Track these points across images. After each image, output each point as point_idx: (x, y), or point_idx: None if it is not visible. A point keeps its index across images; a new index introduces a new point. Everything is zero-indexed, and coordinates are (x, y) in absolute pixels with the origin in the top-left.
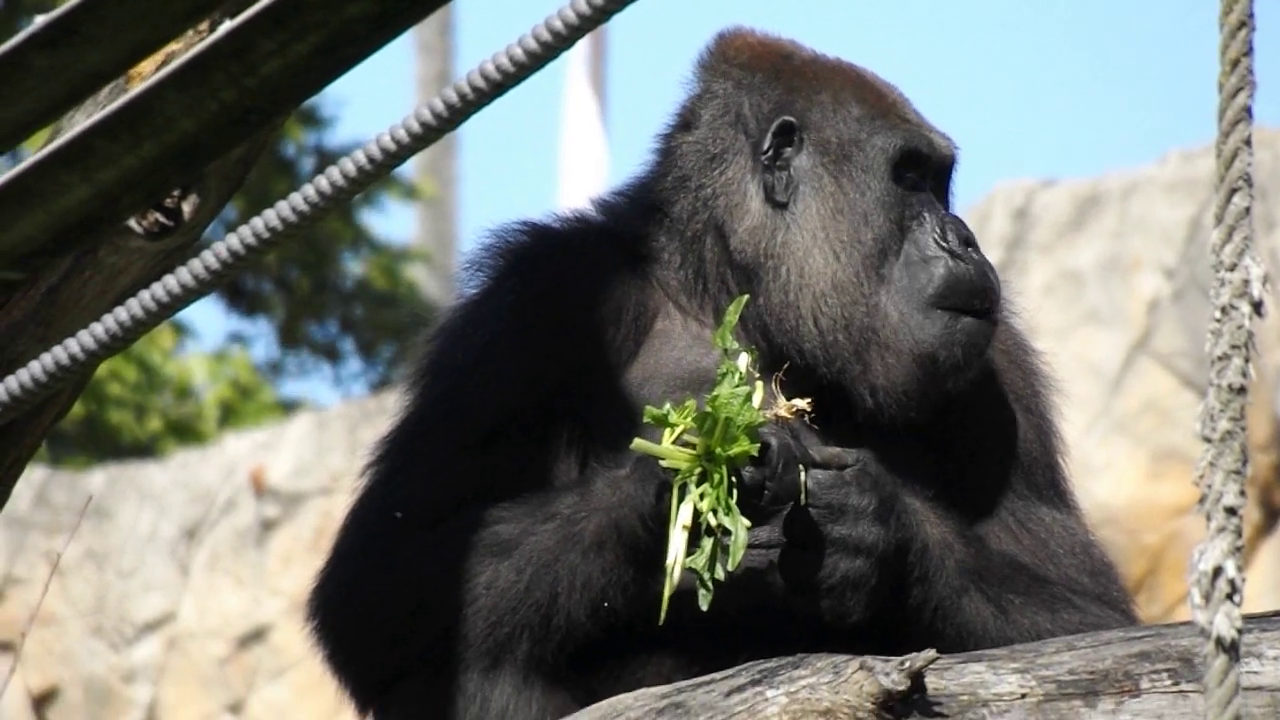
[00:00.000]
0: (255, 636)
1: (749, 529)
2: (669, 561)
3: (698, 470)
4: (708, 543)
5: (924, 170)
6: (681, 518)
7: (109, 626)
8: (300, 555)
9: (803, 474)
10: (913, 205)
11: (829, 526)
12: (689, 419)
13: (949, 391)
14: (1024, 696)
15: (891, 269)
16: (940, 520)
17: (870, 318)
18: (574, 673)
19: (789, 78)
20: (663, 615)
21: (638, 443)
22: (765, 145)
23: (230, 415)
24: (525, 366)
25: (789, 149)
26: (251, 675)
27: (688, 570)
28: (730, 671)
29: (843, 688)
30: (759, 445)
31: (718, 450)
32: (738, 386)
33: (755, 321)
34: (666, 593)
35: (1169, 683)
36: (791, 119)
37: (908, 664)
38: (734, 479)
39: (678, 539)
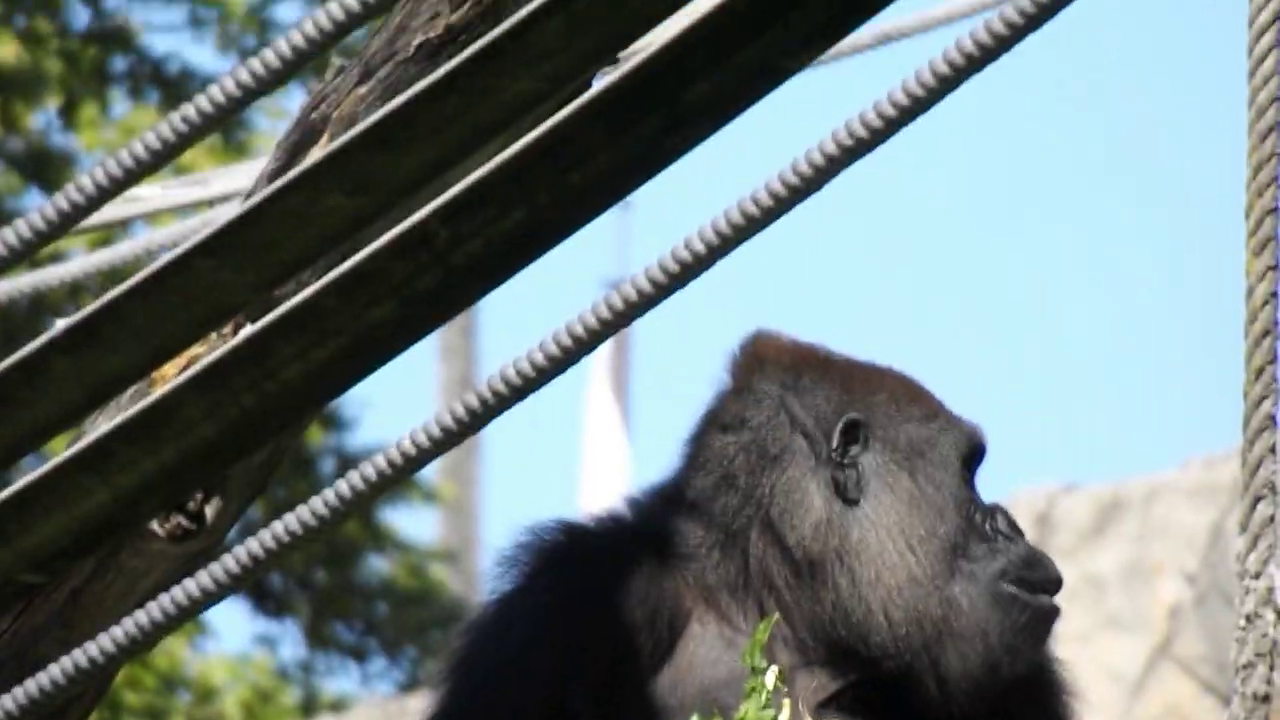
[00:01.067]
0: None
1: None
2: None
3: None
4: None
5: (977, 466)
6: None
7: None
8: None
9: None
10: (974, 501)
11: None
12: None
13: (1010, 679)
14: None
15: (962, 560)
16: None
17: (943, 609)
18: None
19: (840, 379)
20: None
21: None
22: (834, 443)
23: (253, 718)
24: (556, 669)
25: (855, 447)
26: None
27: None
28: None
29: None
30: None
31: None
32: (764, 707)
33: (806, 617)
34: None
35: None
36: (858, 417)
37: None
38: None
39: None
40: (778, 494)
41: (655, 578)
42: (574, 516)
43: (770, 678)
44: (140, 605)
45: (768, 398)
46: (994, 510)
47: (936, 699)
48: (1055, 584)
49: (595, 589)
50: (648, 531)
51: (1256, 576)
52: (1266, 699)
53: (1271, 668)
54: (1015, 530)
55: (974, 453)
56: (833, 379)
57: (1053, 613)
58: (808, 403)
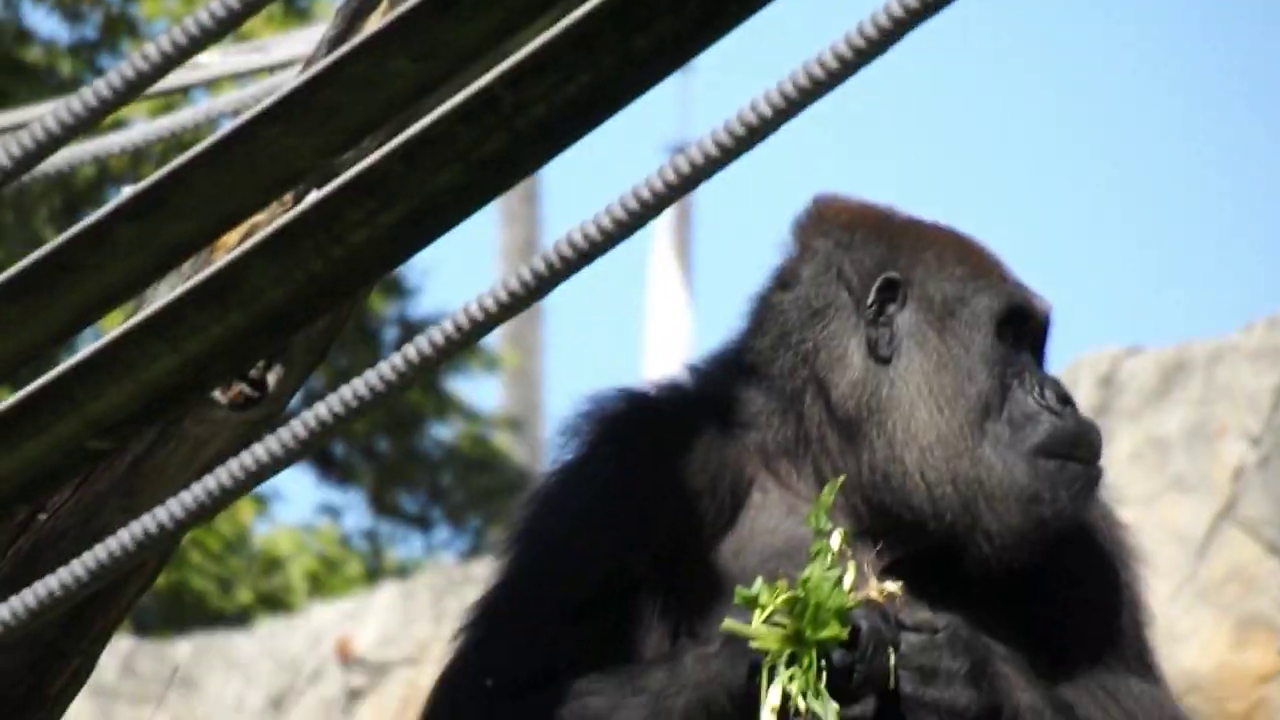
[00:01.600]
0: None
1: (838, 712)
2: None
3: (787, 652)
4: None
5: (1024, 330)
6: (770, 699)
7: None
8: None
9: (892, 657)
10: (1014, 364)
11: (922, 690)
12: (779, 600)
13: (1057, 532)
14: None
15: (994, 424)
16: (1030, 686)
17: (975, 468)
18: None
19: (891, 236)
20: None
21: (727, 623)
22: (869, 301)
23: (318, 587)
24: (619, 537)
25: (892, 305)
26: None
27: None
28: None
29: None
30: (849, 629)
31: (807, 633)
32: (829, 569)
33: (855, 481)
34: None
35: None
36: (895, 275)
37: None
38: (823, 662)
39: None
40: (822, 350)
41: (717, 445)
42: (636, 384)
43: (835, 540)
44: (202, 474)
45: (821, 253)
46: (1043, 380)
47: (986, 558)
48: (1093, 451)
49: (657, 457)
50: (709, 398)
51: None
52: None
53: None
54: (1064, 403)
55: (1014, 314)
56: (883, 236)
57: (1092, 474)
58: (855, 259)
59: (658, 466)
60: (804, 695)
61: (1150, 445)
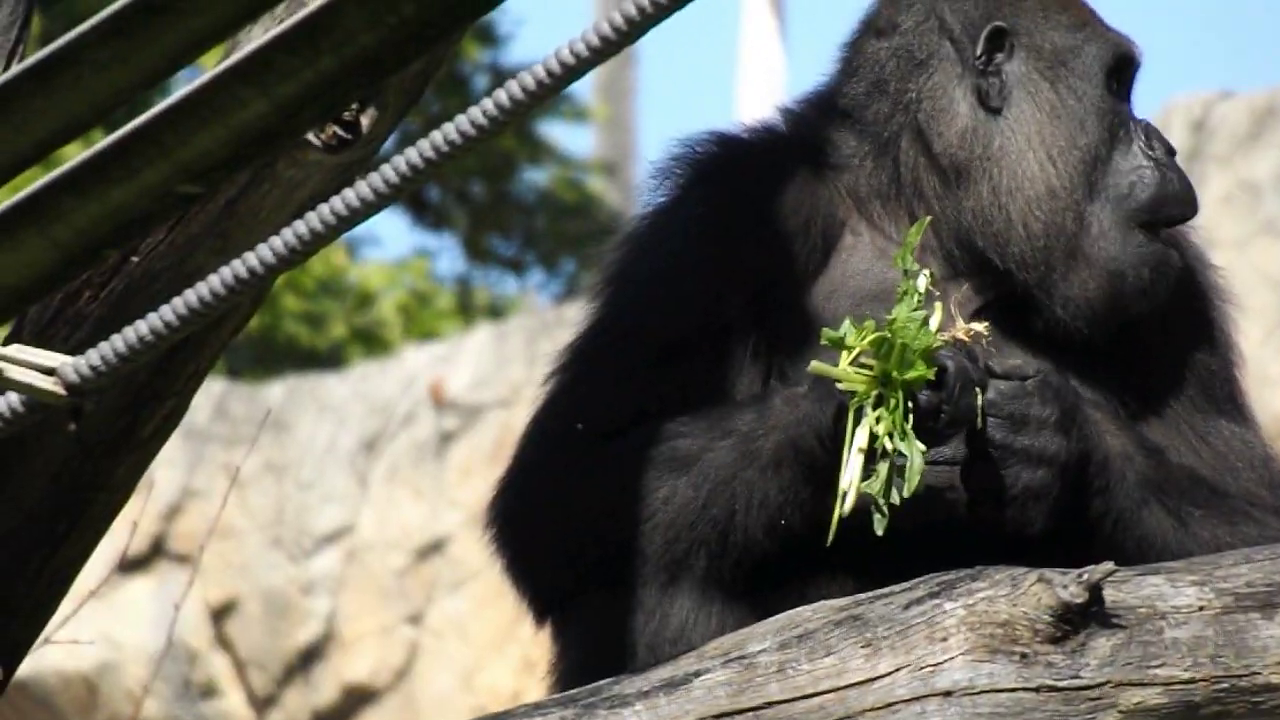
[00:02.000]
0: (434, 549)
1: (925, 453)
2: (843, 485)
3: (874, 393)
4: (883, 467)
5: (1125, 79)
6: (857, 441)
7: (288, 539)
8: (479, 468)
9: (979, 397)
10: (1121, 114)
11: (1011, 437)
12: (866, 341)
13: (1133, 315)
14: (1202, 609)
15: (1102, 177)
16: (1120, 431)
17: (1077, 225)
18: (753, 589)
19: None
20: (830, 537)
21: (815, 365)
22: (979, 50)
23: (410, 322)
24: (710, 280)
25: (1000, 55)
26: (430, 587)
27: (863, 494)
28: (908, 584)
29: (1020, 600)
30: (936, 369)
31: (894, 374)
32: (915, 309)
33: (952, 226)
34: (836, 515)
35: None
36: (1002, 24)
37: (1086, 576)
38: (910, 403)
39: (854, 462)
40: (924, 99)
41: (809, 187)
42: (728, 127)
43: (922, 281)
44: (296, 216)
45: (919, 2)
46: (1146, 129)
47: (1058, 321)
48: (1192, 211)
49: (749, 199)
50: (801, 140)
51: None
52: None
53: None
54: (1169, 152)
55: (1121, 64)
56: None
57: (1171, 258)
58: (957, 7)
59: (750, 208)
60: (890, 436)
61: (1242, 189)
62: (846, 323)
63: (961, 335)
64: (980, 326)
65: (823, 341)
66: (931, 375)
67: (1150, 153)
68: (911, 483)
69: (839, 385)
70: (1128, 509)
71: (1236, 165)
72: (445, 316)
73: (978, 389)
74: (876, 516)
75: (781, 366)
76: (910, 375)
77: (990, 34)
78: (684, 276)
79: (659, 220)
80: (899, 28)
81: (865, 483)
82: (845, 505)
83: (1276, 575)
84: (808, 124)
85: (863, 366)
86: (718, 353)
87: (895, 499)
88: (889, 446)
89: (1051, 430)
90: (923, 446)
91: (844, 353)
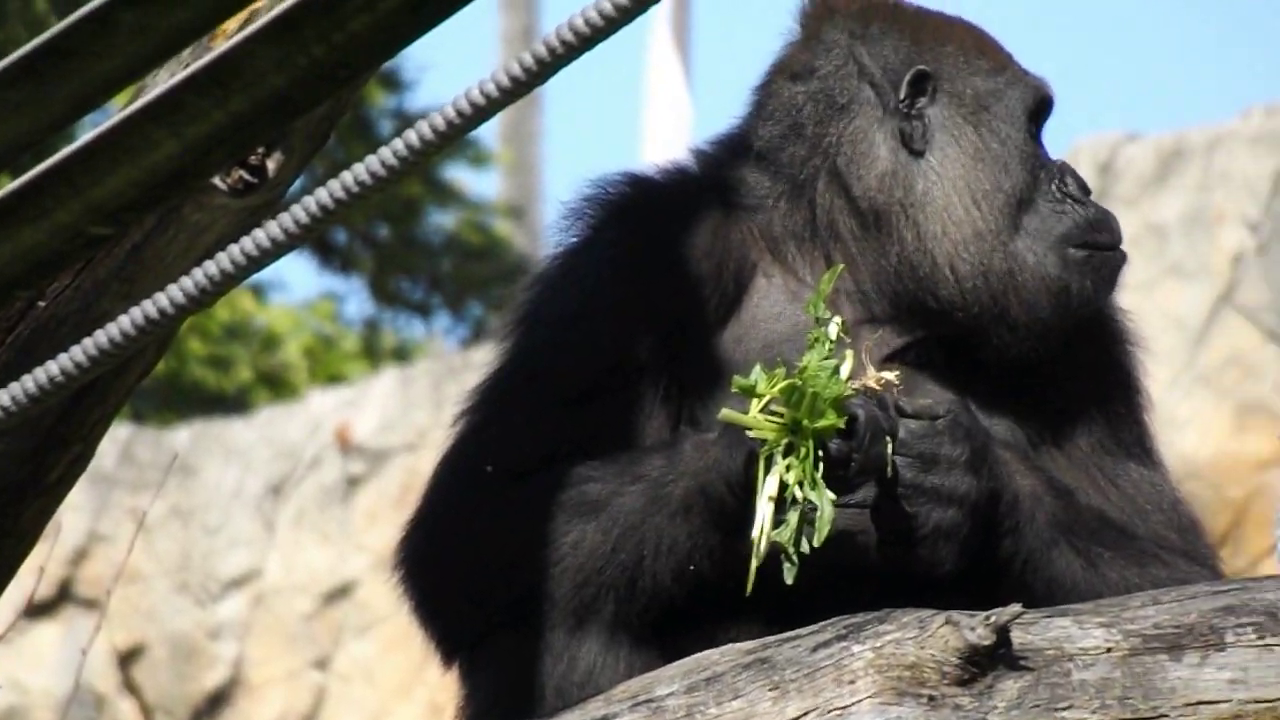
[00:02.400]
0: (341, 593)
1: (835, 502)
2: (754, 534)
3: (785, 441)
4: (793, 516)
5: (1042, 122)
6: (768, 489)
7: (194, 583)
8: (385, 512)
9: (889, 446)
10: (1040, 156)
11: (922, 476)
12: (776, 389)
13: (1079, 321)
14: (1109, 650)
15: (1025, 217)
16: (1030, 472)
17: (1008, 262)
18: (663, 632)
19: (909, 29)
20: (749, 587)
21: (725, 413)
22: (902, 95)
23: (316, 365)
24: (621, 322)
25: (923, 99)
26: (337, 631)
27: (773, 542)
28: (816, 627)
29: (928, 642)
30: (846, 418)
31: (804, 423)
32: (826, 357)
33: (870, 269)
34: (753, 565)
35: (1254, 636)
36: (926, 69)
37: (993, 619)
38: (821, 451)
39: (763, 510)
40: (844, 143)
41: (721, 229)
42: (640, 168)
43: (834, 329)
44: (202, 260)
45: (837, 46)
46: (1062, 169)
47: (1007, 347)
48: (1117, 237)
49: (661, 241)
50: (714, 182)
51: None
52: None
53: None
54: (1083, 190)
55: (1040, 107)
56: (902, 28)
57: (1119, 259)
58: (876, 52)
59: (662, 250)
60: (800, 485)
61: (1148, 232)
62: (757, 369)
63: (873, 384)
64: (892, 375)
65: (733, 389)
66: (842, 424)
67: (1066, 189)
68: (822, 532)
69: (749, 433)
70: (1037, 549)
71: (1143, 207)
72: (351, 359)
73: (888, 437)
74: (786, 565)
75: (692, 410)
76: (821, 424)
77: (914, 78)
78: (594, 318)
79: (570, 261)
80: (816, 72)
81: (775, 531)
82: (755, 554)
83: (1184, 617)
84: (720, 165)
85: (773, 414)
86: (628, 396)
87: (805, 548)
88: (799, 495)
89: (962, 470)
90: (833, 495)
91: (754, 400)
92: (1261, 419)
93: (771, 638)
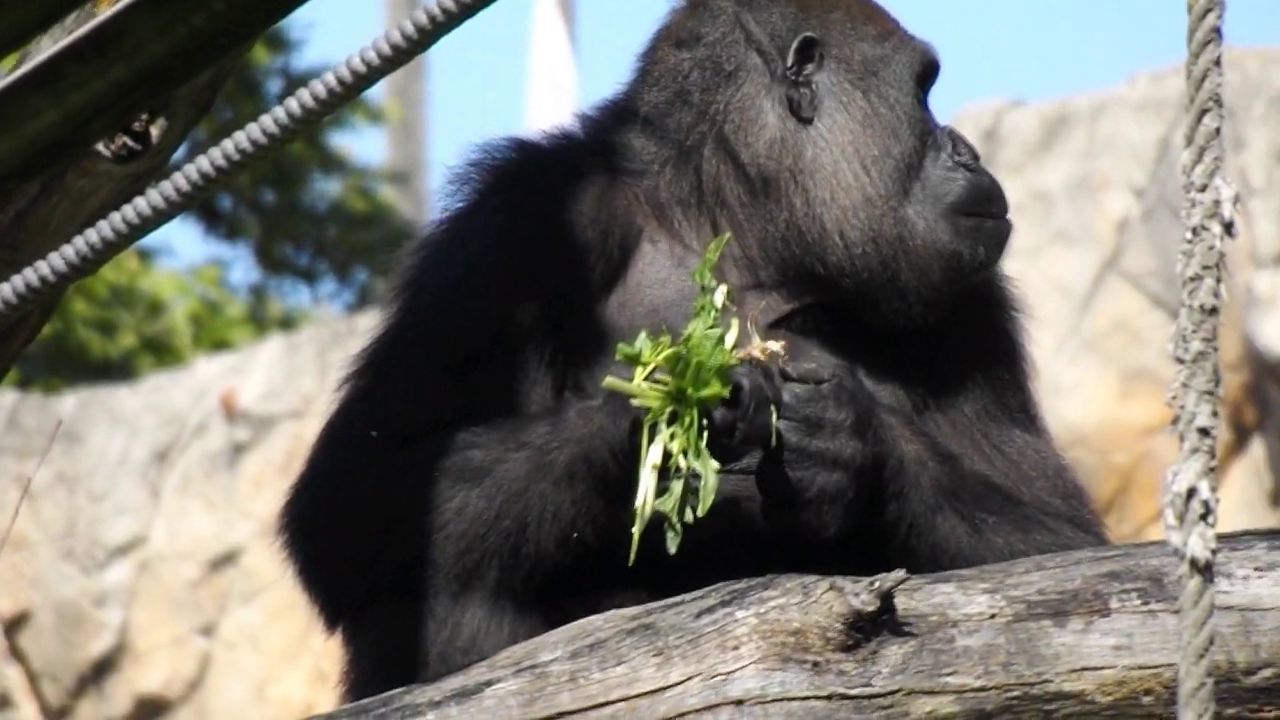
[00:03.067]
0: (226, 560)
1: (719, 471)
2: (638, 503)
3: (669, 410)
4: (677, 485)
5: (929, 87)
6: (651, 458)
7: (80, 550)
8: (271, 478)
9: (774, 415)
10: (928, 121)
11: (807, 440)
12: (661, 358)
13: (970, 283)
14: (993, 616)
15: (915, 183)
16: (915, 437)
17: (898, 228)
18: (547, 598)
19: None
20: (633, 555)
21: (609, 380)
22: (789, 61)
23: (202, 331)
24: (507, 288)
25: (810, 65)
26: (223, 598)
27: (657, 511)
28: (700, 593)
29: (812, 608)
30: (731, 387)
31: (689, 391)
32: (712, 325)
33: (758, 236)
34: (637, 532)
35: (1138, 602)
36: (813, 35)
37: (877, 584)
38: (705, 420)
39: (647, 479)
40: (732, 111)
41: (607, 195)
42: (526, 134)
43: (719, 296)
44: (86, 226)
45: (723, 13)
46: (952, 135)
47: (896, 314)
48: (1004, 205)
49: (546, 207)
50: (600, 148)
51: (1202, 190)
52: (1214, 311)
53: (1218, 280)
54: (974, 157)
55: (927, 71)
56: None
57: (1007, 228)
58: (763, 19)
59: (546, 216)
60: (684, 454)
61: (1033, 198)
62: (642, 337)
63: (758, 353)
64: (777, 345)
65: (618, 357)
66: (726, 393)
67: (958, 158)
68: (706, 501)
69: (633, 401)
70: (922, 514)
71: (1028, 174)
72: (236, 325)
73: (773, 406)
74: (669, 535)
75: (577, 377)
76: (705, 393)
77: (801, 45)
78: (478, 284)
79: (455, 227)
80: (702, 39)
81: (659, 500)
82: (643, 518)
83: (1068, 582)
84: (607, 131)
85: (658, 382)
86: (512, 362)
87: (689, 517)
88: (683, 464)
89: (847, 434)
90: (717, 464)
91: (639, 368)
92: (1147, 385)
93: (655, 604)
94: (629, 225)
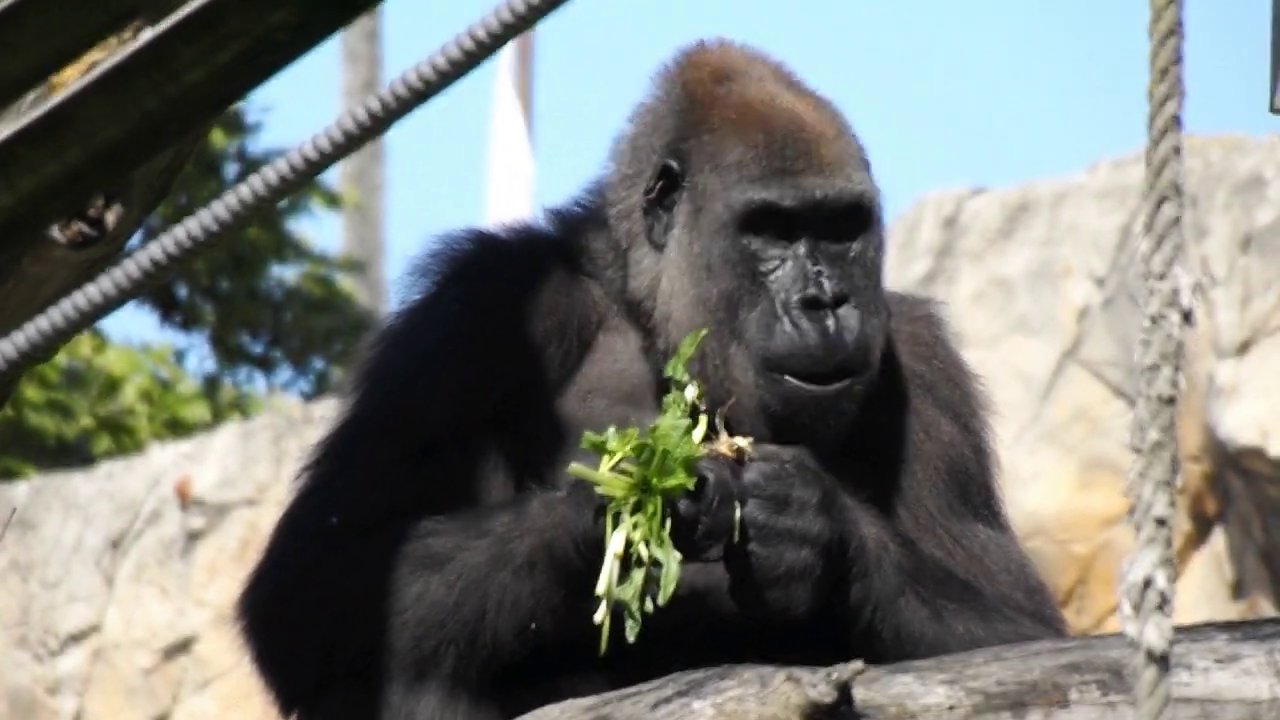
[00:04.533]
0: (181, 648)
1: (681, 562)
2: (600, 589)
3: (633, 500)
4: (638, 574)
5: (792, 222)
6: (614, 546)
7: (34, 638)
8: (226, 566)
9: (738, 511)
10: (770, 260)
11: (775, 518)
12: (628, 447)
13: (826, 435)
14: (952, 708)
15: (745, 323)
16: (875, 520)
17: (727, 369)
18: (504, 688)
19: (697, 108)
20: (603, 645)
21: (574, 468)
22: (650, 185)
23: (156, 408)
24: (467, 378)
25: (675, 192)
26: (177, 686)
27: (617, 600)
28: (657, 683)
29: (770, 699)
30: (696, 479)
31: (654, 481)
32: (680, 419)
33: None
34: (600, 619)
35: (1098, 694)
36: (672, 163)
37: (835, 675)
38: (669, 511)
39: (609, 567)
40: (625, 218)
41: (566, 287)
42: (486, 226)
43: (691, 391)
44: (41, 313)
45: (648, 113)
46: (810, 278)
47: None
48: (835, 364)
49: (505, 299)
50: (562, 241)
51: (1161, 278)
52: (1171, 400)
53: (1176, 369)
54: (814, 305)
55: (757, 212)
56: (694, 107)
57: (819, 397)
58: (660, 129)
59: (506, 307)
60: (647, 543)
61: (994, 286)
62: (611, 430)
63: (725, 450)
64: (744, 441)
65: (584, 445)
66: (691, 485)
67: (792, 306)
68: (667, 590)
69: (597, 489)
70: (885, 597)
71: (989, 261)
72: (190, 402)
73: (737, 502)
74: (629, 624)
75: (538, 468)
76: (669, 483)
77: (661, 170)
78: (437, 373)
79: (414, 318)
80: (635, 138)
81: (619, 589)
82: (599, 611)
83: (1027, 674)
84: (571, 224)
85: (623, 472)
86: (471, 452)
87: (649, 607)
88: (644, 553)
89: (814, 510)
90: (679, 555)
91: (605, 457)
92: (1107, 475)
93: (612, 693)
94: (587, 317)
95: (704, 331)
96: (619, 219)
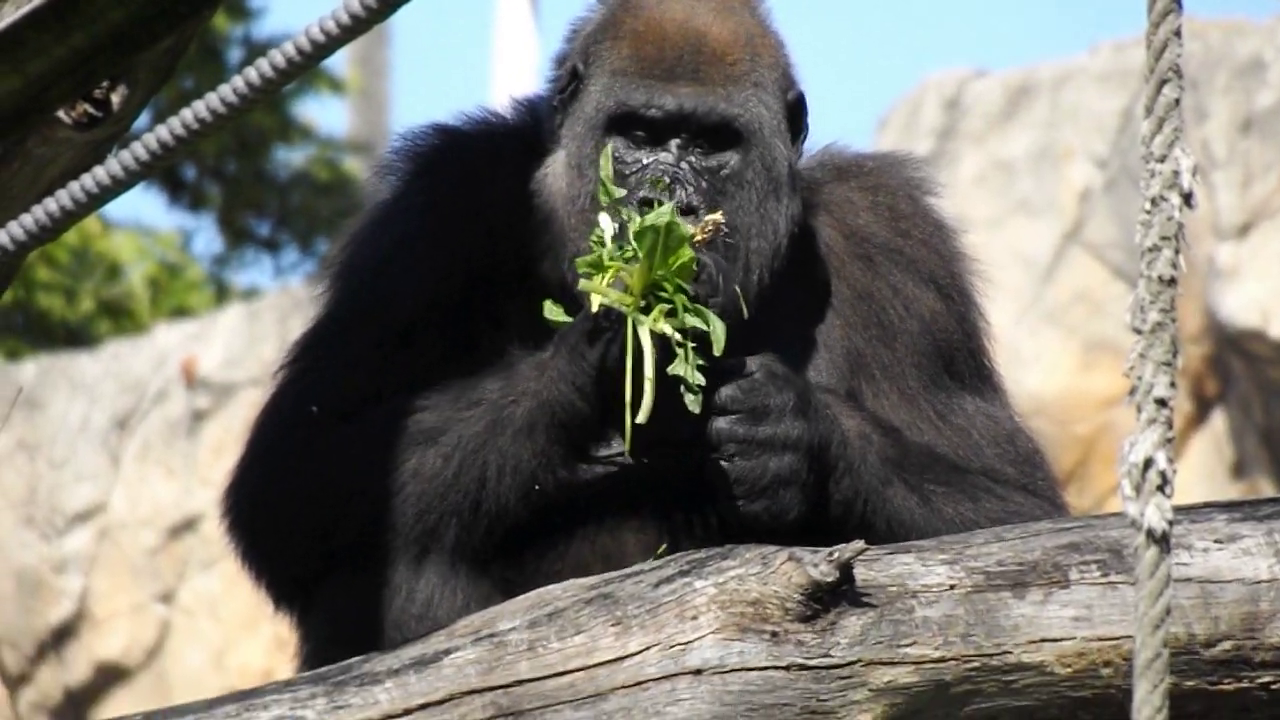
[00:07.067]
0: (186, 527)
1: (723, 330)
2: (649, 373)
3: (642, 302)
4: (680, 353)
5: (658, 128)
6: (644, 342)
7: (40, 517)
8: (231, 446)
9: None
10: (631, 164)
11: (754, 429)
12: (622, 253)
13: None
14: (952, 587)
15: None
16: (854, 412)
17: None
18: (496, 564)
19: (616, 16)
20: (628, 444)
21: (585, 283)
22: (562, 85)
23: (161, 295)
24: (438, 261)
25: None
26: (182, 565)
27: (672, 377)
28: (659, 562)
29: (771, 579)
30: (695, 261)
31: (660, 270)
32: (654, 217)
33: None
34: (646, 408)
35: (1098, 574)
36: (580, 65)
37: (836, 555)
38: (682, 296)
39: (649, 362)
40: (550, 119)
41: (528, 172)
42: (448, 119)
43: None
44: (47, 193)
45: (585, 18)
46: (647, 179)
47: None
48: None
49: (469, 187)
50: (521, 129)
51: (1162, 160)
52: (1172, 282)
53: (1177, 251)
54: (645, 204)
55: (621, 118)
56: (613, 13)
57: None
58: (583, 31)
59: (470, 195)
60: (683, 312)
61: (996, 168)
62: (604, 232)
63: (699, 234)
64: (718, 215)
65: (579, 269)
66: (695, 265)
67: (629, 202)
68: (720, 341)
69: (604, 301)
70: (873, 488)
71: (991, 144)
72: (196, 290)
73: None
74: (689, 397)
75: (513, 345)
76: (679, 262)
77: (571, 72)
78: (410, 261)
79: (382, 213)
80: (563, 49)
81: (671, 366)
82: (640, 412)
83: (1028, 554)
84: (534, 115)
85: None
86: (449, 333)
87: (702, 379)
88: (686, 322)
89: (791, 415)
90: (721, 323)
91: (597, 277)
92: (1108, 356)
93: (614, 573)
94: (549, 195)
95: (610, 146)
96: (547, 116)
